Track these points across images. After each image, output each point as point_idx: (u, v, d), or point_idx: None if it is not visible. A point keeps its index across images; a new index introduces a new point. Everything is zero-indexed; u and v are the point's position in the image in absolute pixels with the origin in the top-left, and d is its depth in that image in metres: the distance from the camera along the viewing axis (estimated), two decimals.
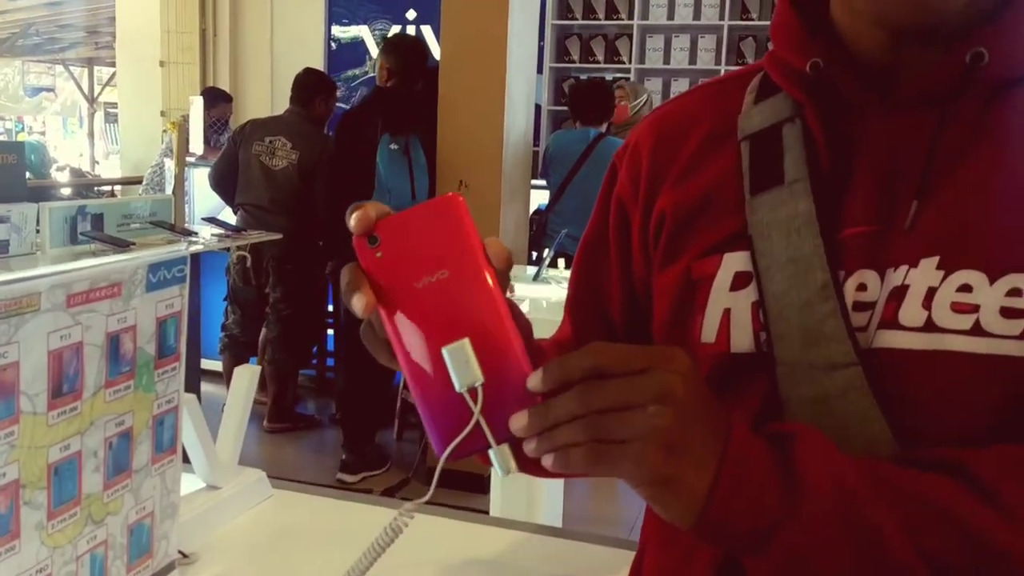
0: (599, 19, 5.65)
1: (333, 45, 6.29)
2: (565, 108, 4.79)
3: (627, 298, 0.78)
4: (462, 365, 0.51)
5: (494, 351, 0.52)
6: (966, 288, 0.58)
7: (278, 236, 4.05)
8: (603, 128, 3.92)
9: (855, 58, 0.65)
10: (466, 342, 0.51)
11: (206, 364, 4.24)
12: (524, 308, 2.53)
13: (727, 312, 0.65)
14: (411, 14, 6.04)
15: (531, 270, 3.12)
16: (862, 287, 0.61)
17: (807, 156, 0.65)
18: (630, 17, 5.54)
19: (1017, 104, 0.60)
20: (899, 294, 0.59)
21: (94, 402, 0.76)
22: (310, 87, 4.15)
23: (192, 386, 3.67)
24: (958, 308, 0.58)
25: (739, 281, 0.65)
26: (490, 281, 0.53)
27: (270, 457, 3.98)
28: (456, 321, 0.52)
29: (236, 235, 3.81)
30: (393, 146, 3.77)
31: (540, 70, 5.62)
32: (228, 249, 4.11)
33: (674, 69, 5.52)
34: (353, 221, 0.53)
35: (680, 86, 5.49)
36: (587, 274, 0.83)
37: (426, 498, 0.54)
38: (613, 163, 0.80)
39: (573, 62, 5.75)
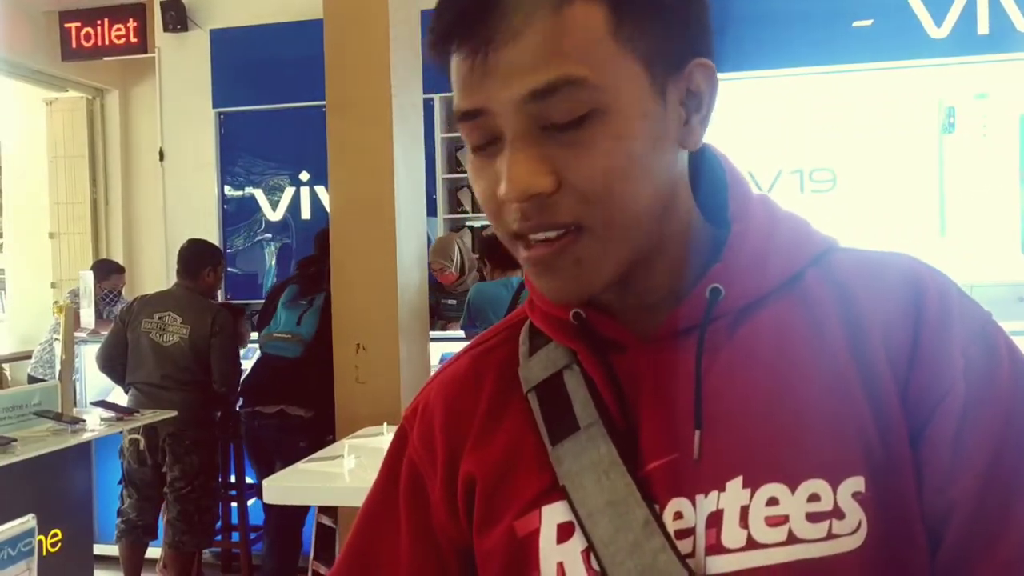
0: None
1: (226, 206, 6.32)
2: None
3: (422, 563, 0.75)
4: None
5: None
6: (773, 501, 0.62)
7: (172, 414, 3.98)
8: (520, 275, 4.05)
9: (606, 305, 0.70)
10: None
11: (100, 549, 4.02)
12: None
13: (560, 566, 0.67)
14: (304, 175, 6.15)
15: None
16: (678, 515, 0.64)
17: (594, 399, 0.69)
18: None
19: (757, 324, 0.67)
20: (716, 519, 0.63)
21: None
22: (197, 259, 4.15)
23: (85, 575, 3.48)
24: (771, 522, 0.62)
25: (564, 532, 0.67)
26: None
27: None
28: None
29: (127, 417, 3.74)
30: (301, 301, 3.81)
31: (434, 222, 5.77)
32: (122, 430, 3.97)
33: None
34: None
35: None
36: (369, 541, 0.78)
37: None
38: (402, 426, 0.81)
39: (466, 212, 5.91)
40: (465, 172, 5.83)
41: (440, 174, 5.79)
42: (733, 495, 0.63)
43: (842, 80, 5.33)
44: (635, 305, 0.70)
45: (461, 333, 4.52)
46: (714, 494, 0.64)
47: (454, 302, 4.77)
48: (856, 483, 0.62)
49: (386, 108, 3.43)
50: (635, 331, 0.70)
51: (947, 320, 0.65)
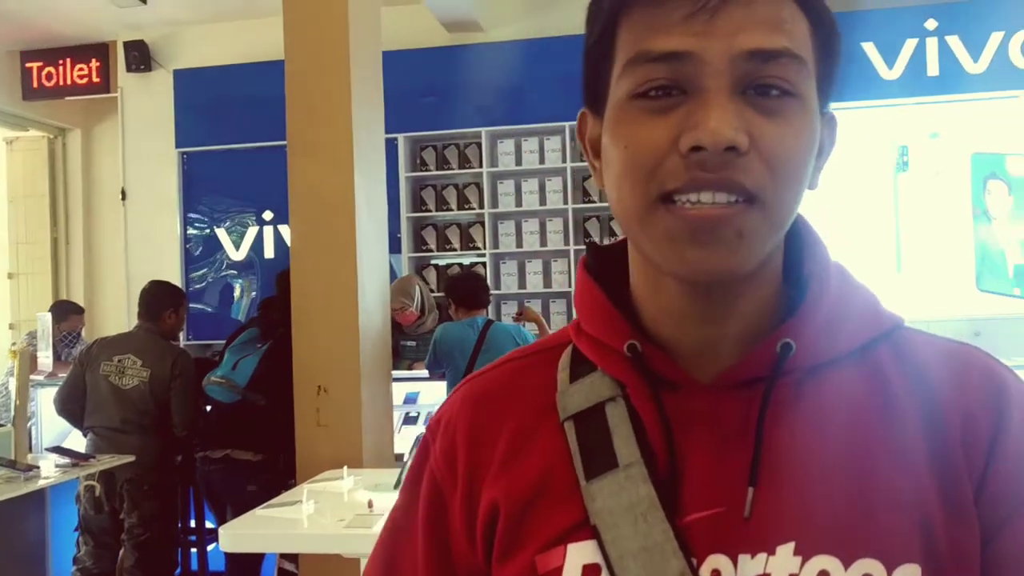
0: (452, 209, 5.88)
1: (189, 246, 6.27)
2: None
3: None
4: None
5: None
6: (824, 575, 0.60)
7: (130, 459, 3.90)
8: (485, 314, 4.06)
9: (664, 340, 0.67)
10: None
11: None
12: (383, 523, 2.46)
13: None
14: (268, 214, 6.13)
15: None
16: (716, 573, 0.61)
17: (637, 437, 0.65)
18: (480, 206, 5.80)
19: (824, 387, 0.65)
20: None
21: None
22: (158, 300, 4.10)
23: None
24: None
25: (589, 574, 0.63)
26: None
27: None
28: None
29: (83, 463, 3.67)
30: (258, 345, 3.77)
31: (399, 261, 5.77)
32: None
33: (527, 252, 5.77)
34: None
35: (534, 266, 5.72)
36: (388, 564, 0.77)
37: None
38: (425, 437, 0.77)
39: (431, 250, 5.92)
40: (429, 211, 5.87)
41: (404, 212, 5.81)
42: (783, 561, 0.60)
43: None
44: (696, 343, 0.67)
45: (423, 373, 4.51)
46: (762, 556, 0.61)
47: (414, 344, 4.75)
48: (912, 571, 0.59)
49: (347, 148, 3.44)
50: (690, 372, 0.67)
51: None
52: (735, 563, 0.61)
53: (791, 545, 0.60)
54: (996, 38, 5.18)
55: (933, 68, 5.24)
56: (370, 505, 2.56)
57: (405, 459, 2.92)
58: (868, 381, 0.66)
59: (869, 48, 5.28)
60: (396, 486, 2.80)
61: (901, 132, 5.32)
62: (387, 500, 2.67)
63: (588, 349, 0.70)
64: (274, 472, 3.56)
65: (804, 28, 0.62)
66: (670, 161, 0.60)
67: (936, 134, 5.31)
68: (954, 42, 5.22)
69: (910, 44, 5.26)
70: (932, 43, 5.24)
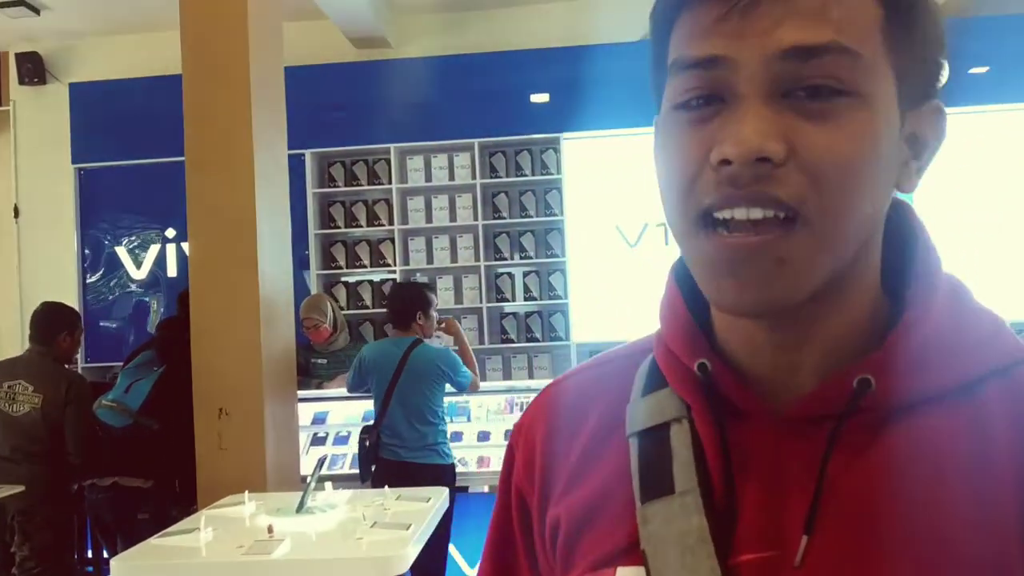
0: (361, 226, 5.82)
1: (87, 265, 6.05)
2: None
3: None
4: None
5: None
6: None
7: (19, 489, 3.73)
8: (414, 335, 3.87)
9: (738, 361, 0.62)
10: None
11: None
12: (285, 549, 2.40)
13: None
14: (170, 232, 5.96)
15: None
16: None
17: (696, 464, 0.61)
18: (390, 223, 5.76)
19: (906, 430, 0.58)
20: None
21: None
22: (51, 322, 3.95)
23: None
24: None
25: None
26: None
27: None
28: None
29: None
30: (155, 368, 3.66)
31: (307, 278, 5.68)
32: None
33: (437, 268, 5.74)
34: None
35: (445, 283, 5.69)
36: (500, 570, 0.75)
37: None
38: (511, 444, 0.75)
39: (340, 267, 5.84)
40: (339, 227, 5.80)
41: (312, 229, 5.72)
42: None
43: None
44: (770, 369, 0.61)
45: (333, 392, 4.43)
46: None
47: (324, 362, 4.68)
48: None
49: (247, 164, 3.38)
50: (762, 398, 0.61)
51: None
52: None
53: None
54: None
55: None
56: (270, 530, 2.50)
57: (308, 481, 2.85)
58: (965, 427, 0.57)
59: None
60: (299, 510, 2.73)
61: None
62: (288, 524, 2.61)
63: (663, 362, 0.66)
64: (167, 499, 3.44)
65: (869, 14, 0.55)
66: (705, 176, 0.56)
67: None
68: None
69: None
70: None
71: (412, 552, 2.40)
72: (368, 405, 4.05)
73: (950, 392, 0.58)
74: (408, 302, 3.92)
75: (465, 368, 3.86)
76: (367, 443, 3.74)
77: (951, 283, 0.62)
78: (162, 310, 5.92)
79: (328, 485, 3.00)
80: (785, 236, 0.54)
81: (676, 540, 0.59)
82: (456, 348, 4.11)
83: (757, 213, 0.54)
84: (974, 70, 5.26)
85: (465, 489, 3.96)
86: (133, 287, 6.03)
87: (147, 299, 6.05)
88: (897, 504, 0.56)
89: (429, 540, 2.65)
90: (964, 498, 0.55)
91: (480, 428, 4.31)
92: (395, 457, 3.72)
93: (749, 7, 0.54)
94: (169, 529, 2.67)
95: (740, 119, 0.54)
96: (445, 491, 3.05)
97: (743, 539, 0.58)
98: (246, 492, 2.88)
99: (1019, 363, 0.59)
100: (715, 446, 0.61)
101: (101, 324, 6.02)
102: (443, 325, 4.22)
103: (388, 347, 3.88)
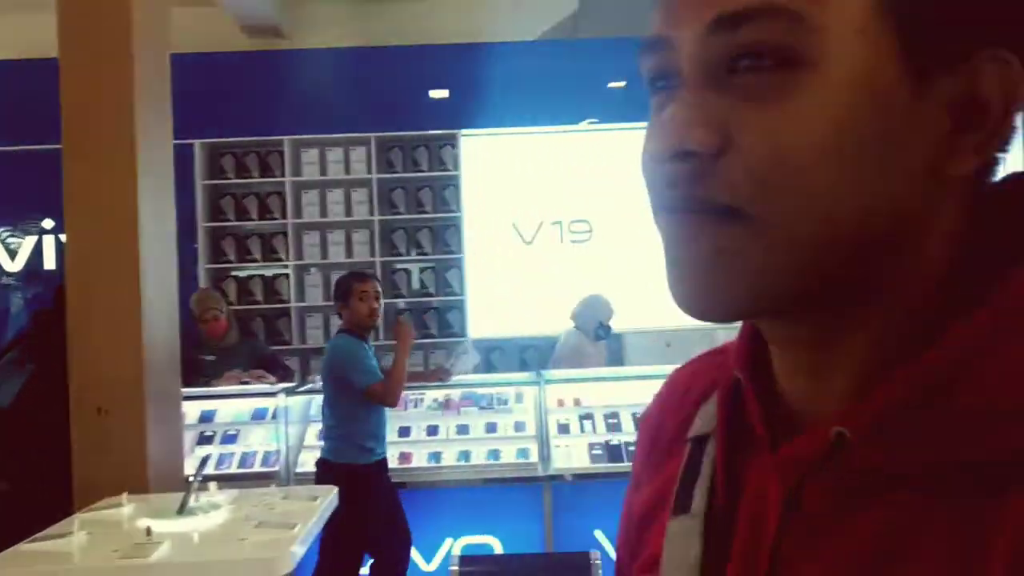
0: (253, 219, 5.68)
1: None
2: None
3: None
4: None
5: None
6: None
7: None
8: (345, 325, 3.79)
9: (777, 382, 0.53)
10: None
11: None
12: (164, 552, 2.31)
13: None
14: (48, 223, 5.69)
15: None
16: None
17: (711, 485, 0.56)
18: (284, 216, 5.63)
19: (881, 507, 0.46)
20: None
21: None
22: None
23: None
24: None
25: None
26: None
27: None
28: None
29: None
30: (28, 364, 3.48)
31: (195, 272, 5.50)
32: None
33: (332, 263, 5.65)
34: None
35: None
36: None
37: None
38: (639, 428, 0.71)
39: (230, 261, 5.68)
40: (228, 220, 5.64)
41: (201, 222, 5.55)
42: None
43: (598, 137, 5.63)
44: (793, 391, 0.52)
45: (221, 390, 4.32)
46: None
47: (214, 358, 4.54)
48: None
49: (129, 153, 3.24)
50: (788, 426, 0.51)
51: None
52: None
53: None
54: None
55: None
56: (148, 532, 2.40)
57: (191, 481, 2.75)
58: (963, 522, 0.43)
59: None
60: (180, 511, 2.64)
61: None
62: (168, 526, 2.51)
63: (726, 364, 0.59)
64: (32, 503, 3.27)
65: None
66: (658, 175, 0.48)
67: None
68: None
69: None
70: None
71: (298, 552, 2.35)
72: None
73: (963, 466, 0.43)
74: (334, 293, 3.92)
75: (364, 373, 3.71)
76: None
77: None
78: (36, 305, 5.65)
79: (213, 485, 2.90)
80: (720, 224, 0.45)
81: (678, 564, 0.55)
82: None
83: (693, 219, 0.46)
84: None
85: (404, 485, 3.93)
86: (7, 279, 5.73)
87: (22, 293, 5.76)
88: None
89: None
90: None
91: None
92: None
93: None
94: (39, 534, 2.53)
95: (672, 108, 0.46)
96: (334, 490, 3.00)
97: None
98: (125, 494, 2.77)
99: None
100: (722, 470, 0.55)
101: None
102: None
103: (357, 342, 3.85)
